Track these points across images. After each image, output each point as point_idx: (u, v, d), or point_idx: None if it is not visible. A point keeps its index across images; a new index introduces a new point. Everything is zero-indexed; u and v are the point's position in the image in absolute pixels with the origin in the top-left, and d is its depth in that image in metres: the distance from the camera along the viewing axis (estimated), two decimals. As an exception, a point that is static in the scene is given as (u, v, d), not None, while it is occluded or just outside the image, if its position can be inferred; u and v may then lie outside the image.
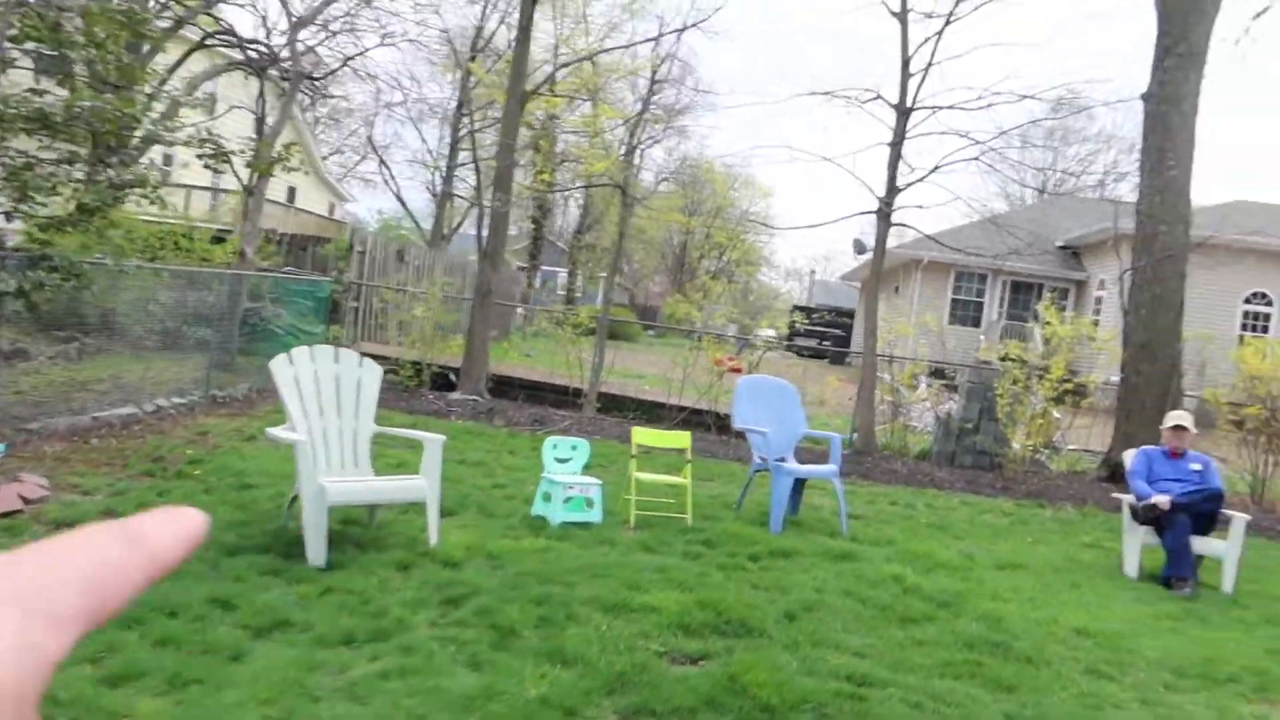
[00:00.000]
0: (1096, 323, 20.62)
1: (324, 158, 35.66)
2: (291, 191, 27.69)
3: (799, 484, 7.27)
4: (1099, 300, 23.82)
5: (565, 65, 19.53)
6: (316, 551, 4.56)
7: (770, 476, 6.79)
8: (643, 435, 6.62)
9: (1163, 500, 6.55)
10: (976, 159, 12.58)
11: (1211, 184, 69.50)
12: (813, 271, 70.19)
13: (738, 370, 25.16)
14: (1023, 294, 26.54)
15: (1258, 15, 12.73)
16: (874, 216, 12.07)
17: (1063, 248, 26.56)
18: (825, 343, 32.90)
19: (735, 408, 7.15)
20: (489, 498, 6.51)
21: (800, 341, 37.99)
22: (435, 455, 5.17)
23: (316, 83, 17.99)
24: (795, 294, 67.76)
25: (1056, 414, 14.91)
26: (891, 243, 30.30)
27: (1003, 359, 11.67)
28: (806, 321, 41.15)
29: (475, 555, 5.02)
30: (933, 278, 26.56)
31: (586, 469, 6.41)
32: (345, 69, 21.09)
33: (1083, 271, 25.58)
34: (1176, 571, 6.33)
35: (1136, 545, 6.64)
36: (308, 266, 17.48)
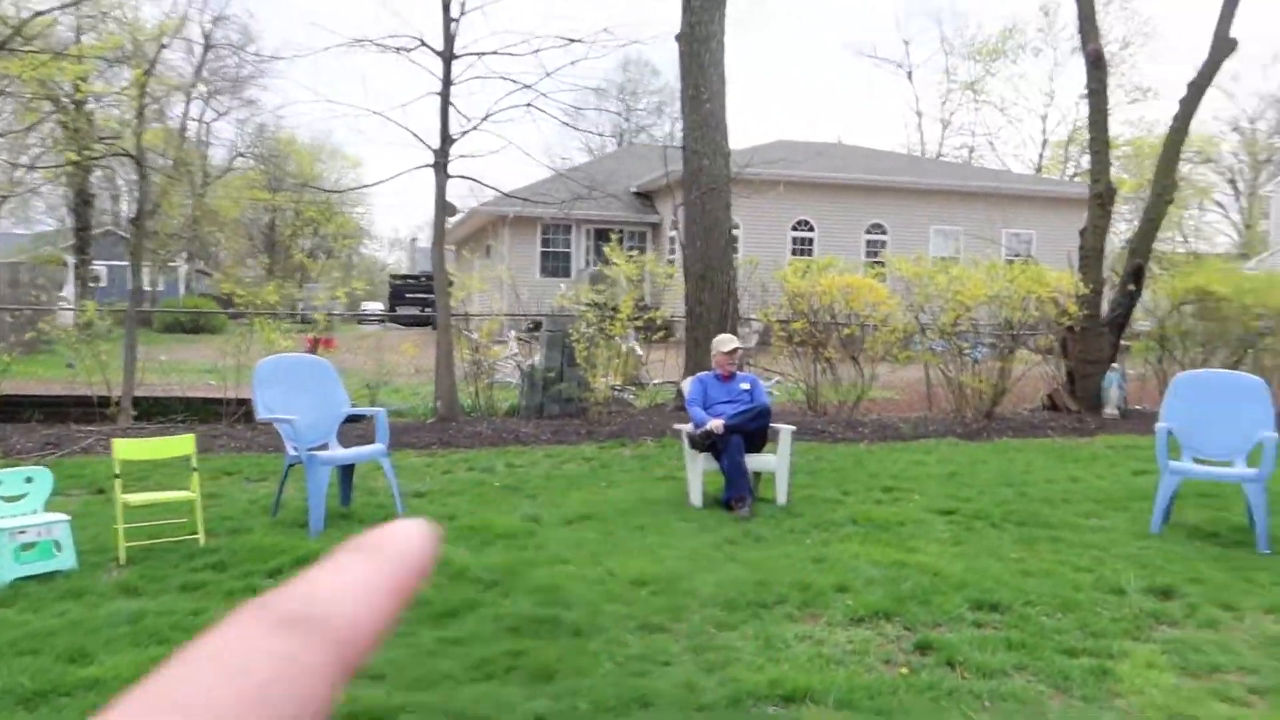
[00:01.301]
0: (672, 260, 21.77)
1: None
2: None
3: (348, 471, 6.39)
4: (672, 240, 25.22)
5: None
6: None
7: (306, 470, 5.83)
8: (127, 449, 5.33)
9: (715, 424, 6.54)
10: (529, 105, 12.26)
11: (760, 124, 77.62)
12: (414, 239, 68.42)
13: (329, 345, 23.45)
14: (606, 241, 27.50)
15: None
16: (436, 172, 11.30)
17: (636, 193, 27.77)
18: (429, 310, 32.00)
19: (255, 395, 6.07)
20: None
21: (403, 310, 36.73)
22: None
23: None
24: (402, 264, 65.68)
25: (640, 351, 15.38)
26: (474, 201, 29.98)
27: (578, 304, 11.54)
28: (401, 283, 39.92)
29: None
30: (521, 233, 26.56)
31: (50, 503, 5.02)
32: None
33: (655, 214, 26.91)
34: (735, 493, 6.35)
35: (698, 473, 6.59)
36: None
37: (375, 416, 6.43)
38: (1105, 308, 13.62)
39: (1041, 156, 53.72)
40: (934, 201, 27.38)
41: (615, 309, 11.00)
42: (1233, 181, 52.31)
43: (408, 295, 37.12)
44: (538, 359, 12.07)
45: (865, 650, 3.80)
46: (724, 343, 7.11)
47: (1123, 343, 13.92)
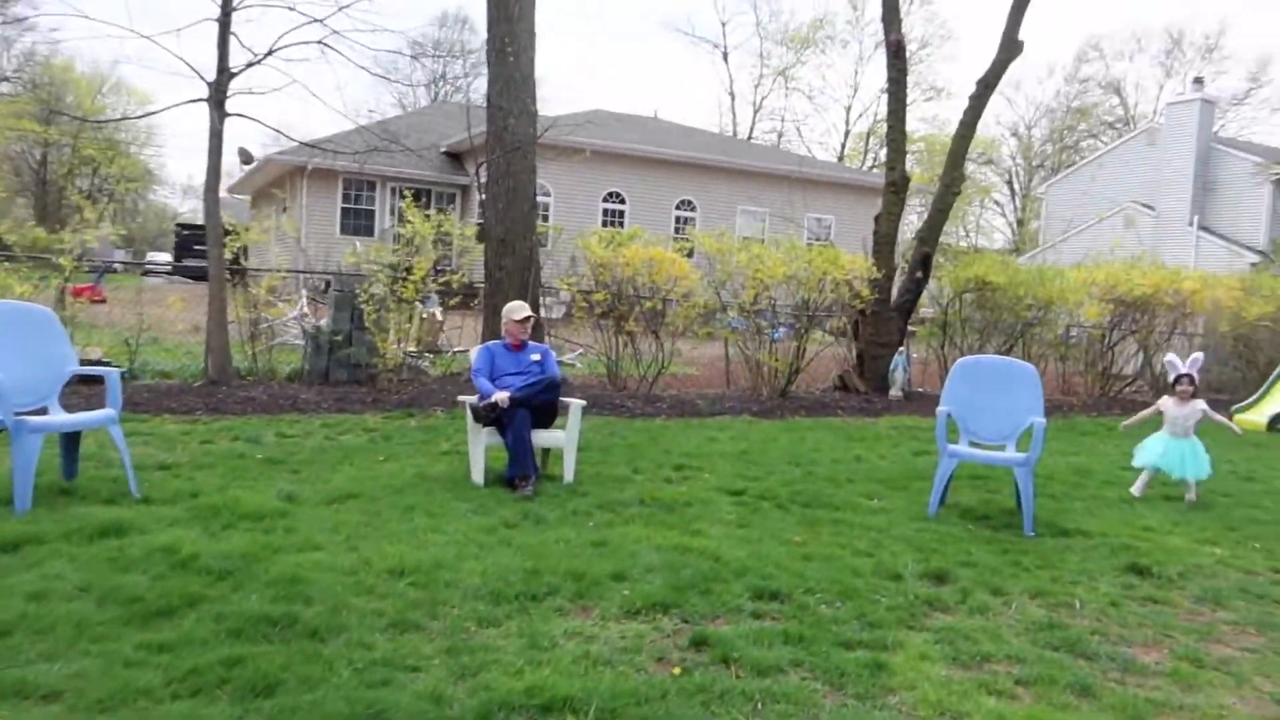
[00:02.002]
0: (481, 224, 21.02)
1: None
2: None
3: (73, 441, 5.53)
4: (481, 203, 24.44)
5: None
6: None
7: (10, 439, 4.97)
8: None
9: (501, 396, 6.13)
10: (322, 43, 11.28)
11: (574, 92, 76.90)
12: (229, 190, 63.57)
13: (100, 300, 21.29)
14: (416, 202, 26.30)
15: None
16: (210, 108, 10.17)
17: (447, 153, 26.73)
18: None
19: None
20: None
21: (191, 263, 33.89)
22: None
23: None
24: (197, 214, 60.82)
25: (440, 316, 14.69)
26: (273, 149, 27.92)
27: (371, 263, 10.75)
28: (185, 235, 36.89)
29: None
30: (320, 187, 24.98)
31: None
32: None
33: (466, 176, 26.01)
34: (518, 471, 5.97)
35: (481, 448, 6.16)
36: None
37: (108, 378, 5.58)
38: (895, 294, 14.16)
39: (844, 146, 56.20)
40: (743, 182, 27.89)
41: (409, 270, 10.32)
42: (1010, 182, 56.71)
43: (196, 247, 34.35)
44: (324, 321, 11.21)
45: (638, 648, 3.51)
46: (515, 310, 6.69)
47: (909, 328, 14.55)
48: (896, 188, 14.05)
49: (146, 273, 30.05)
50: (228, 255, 10.80)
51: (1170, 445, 7.25)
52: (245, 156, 30.01)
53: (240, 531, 4.52)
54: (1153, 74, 68.52)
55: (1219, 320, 16.10)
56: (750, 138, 52.65)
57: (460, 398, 6.30)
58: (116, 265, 31.63)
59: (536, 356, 6.68)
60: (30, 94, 49.77)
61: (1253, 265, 23.26)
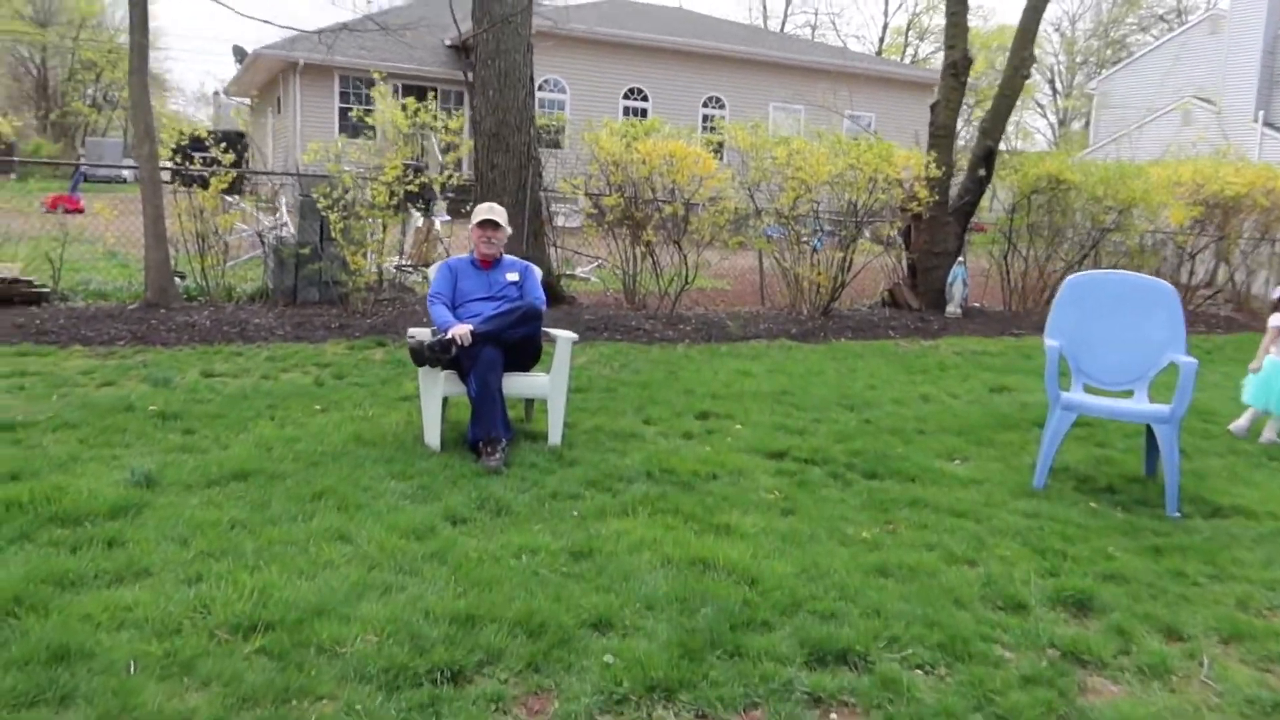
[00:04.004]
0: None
1: None
2: None
3: None
4: (468, 86, 22.46)
5: None
6: None
7: None
8: None
9: (460, 330, 4.56)
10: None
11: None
12: (217, 93, 61.49)
13: (77, 210, 19.79)
14: (417, 100, 24.37)
15: None
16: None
17: (452, 47, 24.64)
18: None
19: None
20: None
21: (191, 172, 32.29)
22: None
23: None
24: (207, 121, 58.95)
25: (437, 225, 13.04)
26: (261, 41, 25.98)
27: (338, 162, 9.08)
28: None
29: None
30: (315, 85, 23.08)
31: None
32: None
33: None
34: (482, 432, 4.42)
35: (437, 400, 4.62)
36: None
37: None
38: (953, 195, 12.32)
39: (882, 40, 52.90)
40: (776, 76, 25.65)
41: (379, 168, 8.66)
42: (1051, 81, 53.26)
43: (194, 154, 32.73)
44: (286, 231, 9.64)
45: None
46: (482, 212, 5.07)
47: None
48: (956, 70, 12.05)
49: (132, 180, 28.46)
50: (228, 159, 9.22)
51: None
52: (239, 54, 28.07)
53: (36, 548, 3.03)
54: (1215, -41, 63.71)
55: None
56: (782, 32, 49.53)
57: (412, 332, 4.73)
58: (125, 175, 30.05)
59: (514, 276, 5.08)
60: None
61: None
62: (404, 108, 8.96)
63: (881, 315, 11.29)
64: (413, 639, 2.57)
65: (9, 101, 51.70)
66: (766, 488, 4.27)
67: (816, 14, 65.80)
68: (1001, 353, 8.98)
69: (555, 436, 4.73)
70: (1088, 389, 4.98)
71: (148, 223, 8.41)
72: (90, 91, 54.03)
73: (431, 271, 5.23)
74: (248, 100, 33.25)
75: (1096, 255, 12.69)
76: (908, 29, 53.29)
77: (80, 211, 18.26)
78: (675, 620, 2.81)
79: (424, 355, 4.50)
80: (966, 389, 7.05)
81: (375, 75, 9.82)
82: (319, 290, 9.42)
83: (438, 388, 4.60)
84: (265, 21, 9.79)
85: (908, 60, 49.26)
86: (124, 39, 51.71)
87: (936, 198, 11.15)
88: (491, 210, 5.09)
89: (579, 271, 13.01)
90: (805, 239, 10.60)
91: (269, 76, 26.09)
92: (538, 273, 5.28)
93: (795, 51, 27.93)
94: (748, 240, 10.80)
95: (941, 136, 11.94)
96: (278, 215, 13.25)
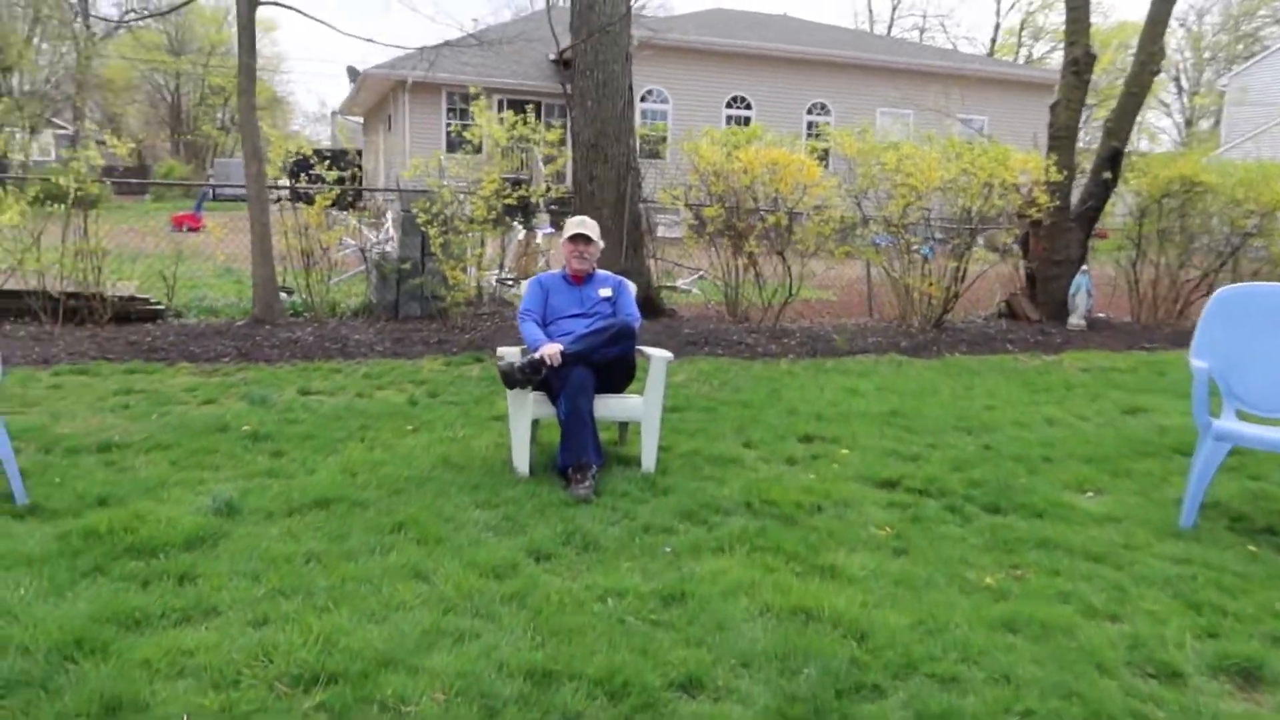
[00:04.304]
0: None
1: None
2: None
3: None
4: (568, 99, 22.50)
5: None
6: None
7: None
8: None
9: (549, 351, 4.36)
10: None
11: None
12: (334, 113, 63.68)
13: (197, 228, 20.60)
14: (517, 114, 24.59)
15: None
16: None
17: (556, 61, 24.78)
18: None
19: None
20: None
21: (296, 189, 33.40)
22: None
23: None
24: (324, 140, 61.14)
25: (539, 239, 13.00)
26: (371, 61, 26.63)
27: (439, 176, 9.09)
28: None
29: None
30: (423, 102, 23.54)
31: None
32: None
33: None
34: (572, 458, 4.21)
35: (526, 423, 4.43)
36: None
37: None
38: (1075, 200, 11.61)
39: (994, 40, 51.21)
40: (882, 80, 24.95)
41: (478, 182, 8.61)
42: (1177, 79, 50.50)
43: (309, 172, 33.89)
44: (390, 247, 9.70)
45: None
46: (571, 227, 4.87)
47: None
48: (1078, 67, 11.37)
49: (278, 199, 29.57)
50: (331, 177, 9.34)
51: None
52: (353, 75, 28.90)
53: (109, 583, 2.93)
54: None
55: None
56: (889, 36, 48.41)
57: (501, 352, 4.57)
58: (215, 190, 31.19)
59: (606, 292, 4.87)
60: (157, 28, 50.21)
61: None
62: (500, 121, 8.89)
63: (998, 328, 10.70)
64: (483, 698, 2.35)
65: (146, 127, 54.77)
66: (877, 522, 3.92)
67: (925, 16, 64.07)
68: (1132, 369, 8.33)
69: (649, 462, 4.48)
70: (1240, 415, 4.46)
71: (254, 240, 8.54)
72: (219, 115, 56.71)
73: (523, 287, 5.06)
74: (360, 119, 34.26)
75: (1235, 263, 11.77)
76: (1021, 29, 51.50)
77: (200, 229, 19.02)
78: (774, 682, 2.52)
79: (514, 377, 4.31)
80: (1096, 410, 6.51)
81: (471, 90, 9.79)
82: (420, 305, 9.44)
83: (527, 410, 4.41)
84: (369, 40, 9.86)
85: (1022, 61, 47.51)
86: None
87: (1058, 202, 10.50)
88: (583, 224, 4.89)
89: (680, 283, 12.78)
90: (915, 248, 10.11)
91: (379, 95, 26.76)
92: (632, 288, 5.05)
93: (903, 54, 27.15)
94: (855, 250, 10.38)
95: (1062, 138, 11.28)
96: (384, 231, 13.45)
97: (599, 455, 4.29)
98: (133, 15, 44.84)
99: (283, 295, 9.47)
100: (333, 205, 9.78)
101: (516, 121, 8.78)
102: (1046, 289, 11.33)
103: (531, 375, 4.32)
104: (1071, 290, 11.01)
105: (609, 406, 4.51)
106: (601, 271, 5.01)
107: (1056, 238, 11.13)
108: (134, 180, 34.30)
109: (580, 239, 4.81)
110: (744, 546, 3.52)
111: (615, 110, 9.07)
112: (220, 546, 3.27)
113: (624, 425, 5.01)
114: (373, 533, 3.46)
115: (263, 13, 8.46)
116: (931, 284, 10.01)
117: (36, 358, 6.94)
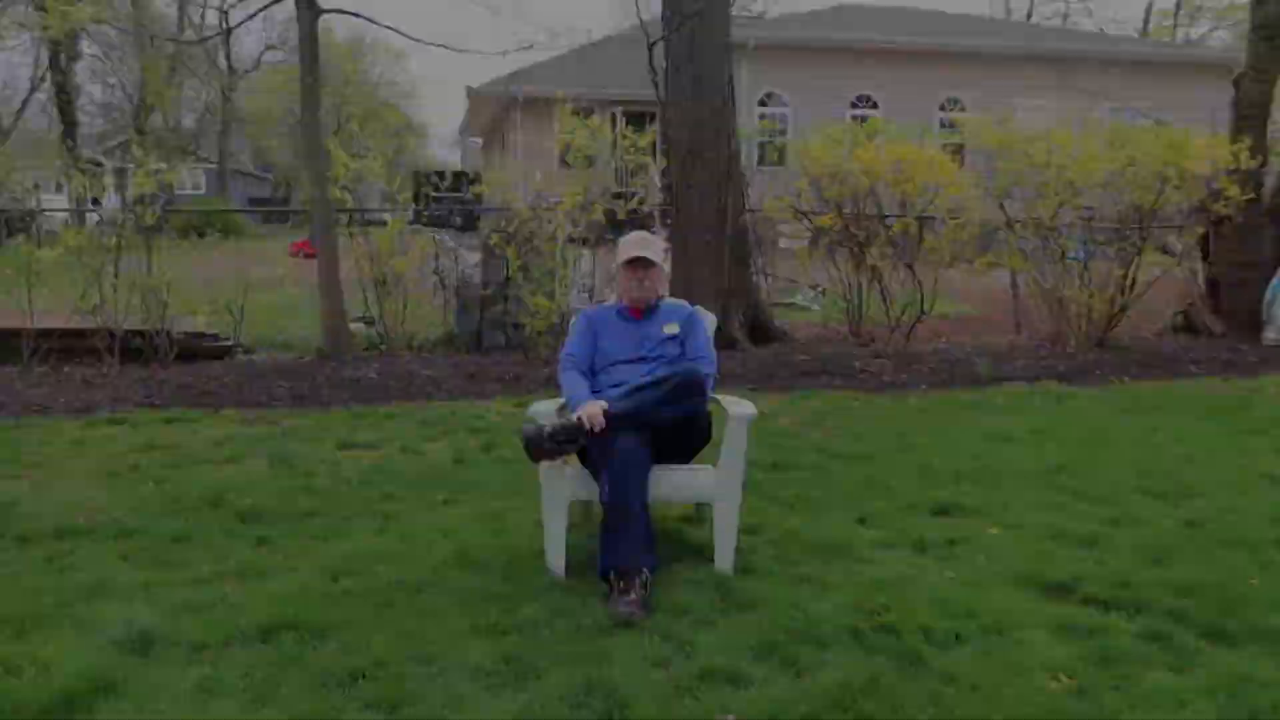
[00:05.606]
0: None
1: None
2: None
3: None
4: (661, 101, 21.42)
5: None
6: None
7: None
8: None
9: (591, 411, 3.30)
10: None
11: None
12: (461, 134, 64.83)
13: (312, 255, 20.61)
14: (639, 127, 23.77)
15: None
16: (305, 6, 7.96)
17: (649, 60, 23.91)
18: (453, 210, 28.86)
19: None
20: None
21: (436, 211, 33.56)
22: None
23: None
24: (457, 162, 62.28)
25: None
26: (479, 78, 26.31)
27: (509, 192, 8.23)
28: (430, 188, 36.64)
29: None
30: (535, 118, 22.95)
31: None
32: None
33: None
34: (616, 558, 3.13)
35: (562, 509, 3.39)
36: None
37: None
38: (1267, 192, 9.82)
39: (1146, 21, 47.41)
40: (1023, 69, 22.94)
41: (560, 200, 7.70)
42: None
43: (433, 195, 33.99)
44: (467, 270, 8.90)
45: None
46: (628, 247, 3.79)
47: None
48: (1270, 32, 9.61)
49: (368, 222, 29.75)
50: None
51: None
52: (470, 92, 28.77)
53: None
54: None
55: None
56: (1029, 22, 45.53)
57: (533, 410, 3.55)
58: (386, 218, 31.63)
59: (672, 328, 3.76)
60: (296, 62, 52.24)
61: None
62: (573, 130, 7.97)
63: (1175, 344, 9.08)
64: None
65: (291, 157, 57.00)
66: (1045, 663, 2.70)
67: (1067, 1, 60.13)
68: (1362, 397, 6.68)
69: (724, 560, 3.36)
70: None
71: (322, 269, 7.88)
72: (355, 142, 58.60)
73: (572, 323, 4.04)
74: (480, 140, 34.27)
75: None
76: (1176, 9, 47.55)
77: (312, 256, 18.93)
78: None
79: (543, 446, 3.28)
80: (1329, 460, 5.00)
81: (557, 96, 8.90)
82: (504, 334, 8.60)
83: (563, 492, 3.37)
84: (456, 50, 9.25)
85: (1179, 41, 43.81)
86: (383, 93, 55.50)
87: (1251, 195, 8.81)
88: (642, 243, 3.82)
89: (798, 299, 11.59)
90: (1071, 254, 8.62)
91: (493, 114, 26.48)
92: (708, 322, 3.94)
93: (1045, 41, 25.02)
94: (998, 258, 8.97)
95: (1251, 116, 9.55)
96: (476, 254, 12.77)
97: (651, 556, 3.19)
98: (269, 51, 46.63)
99: (361, 326, 8.81)
100: (450, 227, 9.09)
101: (598, 127, 7.83)
102: (1233, 297, 9.60)
103: (565, 444, 3.28)
104: (1266, 298, 9.25)
105: (671, 483, 3.42)
106: (670, 301, 3.93)
107: (1245, 237, 9.40)
108: (263, 209, 35.34)
109: (639, 263, 3.74)
110: (841, 715, 2.38)
111: (712, 108, 8.02)
112: (97, 712, 2.35)
113: (698, 508, 3.90)
114: (316, 687, 2.48)
115: (390, 42, 7.85)
116: (1092, 294, 8.50)
117: (78, 405, 6.38)
